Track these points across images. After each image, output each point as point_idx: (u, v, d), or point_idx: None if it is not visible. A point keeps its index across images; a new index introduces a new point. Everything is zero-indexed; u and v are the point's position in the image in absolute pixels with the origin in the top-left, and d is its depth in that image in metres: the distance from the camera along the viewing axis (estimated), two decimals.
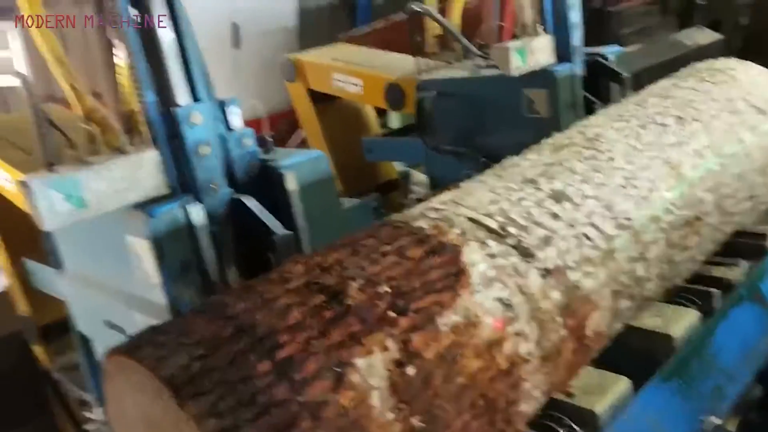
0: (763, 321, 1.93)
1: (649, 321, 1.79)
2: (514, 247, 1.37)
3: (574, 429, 1.50)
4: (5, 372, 2.63)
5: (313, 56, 3.53)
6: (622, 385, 1.59)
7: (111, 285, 1.63)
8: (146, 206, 1.40)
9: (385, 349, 1.11)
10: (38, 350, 2.51)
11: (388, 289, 1.19)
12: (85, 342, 1.98)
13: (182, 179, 1.43)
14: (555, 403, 1.50)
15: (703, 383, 1.69)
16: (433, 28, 2.95)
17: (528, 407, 1.34)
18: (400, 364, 1.11)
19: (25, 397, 2.62)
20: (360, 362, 1.08)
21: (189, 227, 1.39)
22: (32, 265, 2.21)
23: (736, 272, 2.01)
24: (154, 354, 1.05)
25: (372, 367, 1.09)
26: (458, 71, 2.75)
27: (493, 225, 1.40)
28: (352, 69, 3.20)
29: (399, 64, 3.09)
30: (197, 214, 1.40)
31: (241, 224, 1.46)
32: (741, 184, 1.88)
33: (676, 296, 1.89)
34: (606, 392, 1.56)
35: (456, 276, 1.26)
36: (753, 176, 1.92)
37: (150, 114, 1.40)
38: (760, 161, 1.95)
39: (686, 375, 1.65)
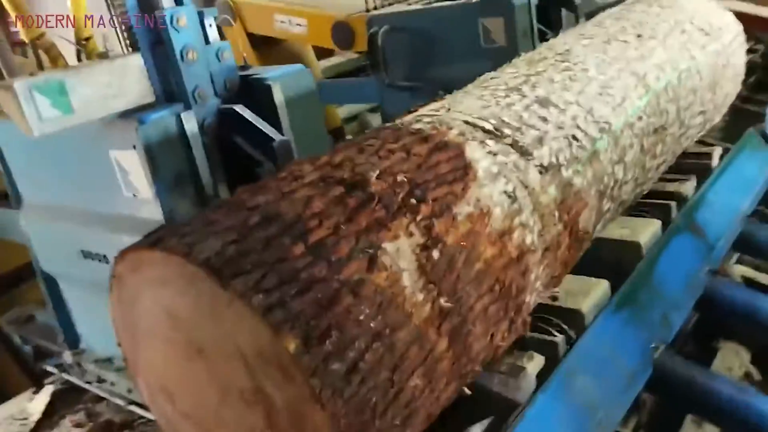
0: (700, 250, 2.04)
1: (618, 231, 1.89)
2: (511, 145, 1.40)
3: (563, 327, 1.57)
4: None
5: None
6: (602, 286, 1.68)
7: (87, 211, 1.54)
8: (133, 115, 1.33)
9: (410, 234, 1.12)
10: None
11: (405, 179, 1.19)
12: (51, 283, 1.87)
13: (168, 88, 1.37)
14: (543, 307, 1.56)
15: (651, 312, 1.76)
16: None
17: (531, 299, 1.39)
18: (425, 248, 1.12)
19: None
20: (388, 245, 1.08)
21: (181, 136, 1.34)
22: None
23: (688, 186, 2.15)
24: (183, 242, 1.01)
25: (400, 250, 1.09)
26: (410, 6, 2.72)
27: (489, 127, 1.42)
28: (296, 8, 3.09)
29: (346, 3, 3.01)
30: (190, 121, 1.34)
31: (232, 135, 1.41)
32: (695, 98, 1.99)
33: (636, 210, 2.01)
34: (588, 294, 1.64)
35: (464, 170, 1.28)
36: (703, 92, 2.04)
37: (131, 17, 1.32)
38: (708, 78, 2.06)
39: (636, 304, 1.72)
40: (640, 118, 1.71)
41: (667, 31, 2.02)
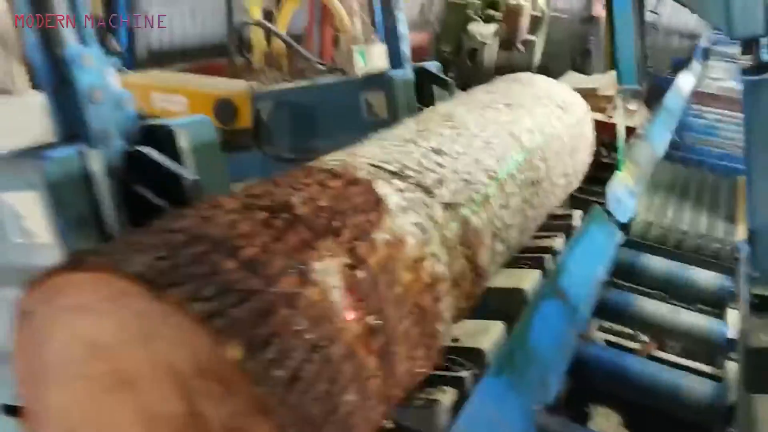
0: (566, 314, 2.16)
1: (505, 281, 2.01)
2: (415, 185, 1.48)
3: (466, 365, 1.63)
4: None
5: (127, 78, 3.39)
6: (498, 327, 1.77)
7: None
8: (36, 153, 1.27)
9: (336, 254, 1.15)
10: None
11: (326, 205, 1.22)
12: None
13: (71, 127, 1.32)
14: (446, 349, 1.62)
15: (529, 374, 1.82)
16: (259, 45, 3.02)
17: (442, 329, 1.44)
18: (351, 267, 1.15)
19: None
20: (317, 264, 1.10)
21: (86, 176, 1.28)
22: None
23: (558, 242, 2.35)
24: (108, 259, 0.97)
25: (328, 269, 1.11)
26: (294, 84, 2.79)
27: (393, 168, 1.51)
28: (177, 87, 3.17)
29: (222, 84, 3.11)
30: (95, 161, 1.30)
31: (135, 179, 1.38)
32: (558, 161, 2.21)
33: (516, 264, 2.16)
34: (487, 333, 1.72)
35: (376, 202, 1.34)
36: (565, 156, 2.28)
37: (32, 56, 1.29)
38: (569, 145, 2.32)
39: (514, 368, 1.78)
40: (519, 170, 1.88)
41: (530, 103, 2.27)
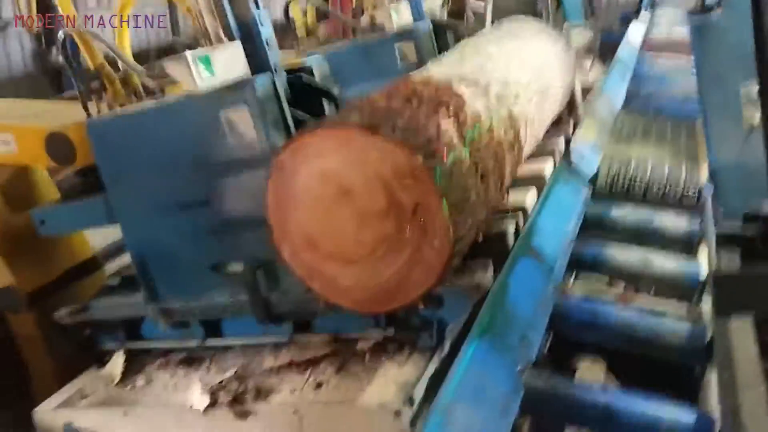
0: (542, 271, 2.27)
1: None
2: (475, 86, 2.21)
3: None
4: None
5: None
6: (533, 192, 2.49)
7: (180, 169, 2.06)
8: (242, 83, 1.97)
9: (449, 116, 1.88)
10: (24, 318, 2.66)
11: (432, 93, 1.96)
12: (136, 247, 2.31)
13: (259, 65, 2.02)
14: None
15: (510, 335, 1.90)
16: (298, 17, 3.53)
17: (508, 172, 2.17)
18: (458, 123, 1.88)
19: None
20: (442, 120, 1.83)
21: (275, 94, 1.99)
22: (47, 210, 2.44)
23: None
24: (335, 122, 1.70)
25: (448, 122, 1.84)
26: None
27: (458, 77, 2.23)
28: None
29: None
30: (279, 84, 2.01)
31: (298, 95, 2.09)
32: (556, 75, 2.95)
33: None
34: (527, 194, 2.46)
35: (458, 94, 2.06)
36: (560, 72, 3.01)
37: (228, 19, 1.99)
38: (561, 64, 3.07)
39: (496, 330, 1.85)
40: (535, 80, 2.63)
41: (529, 35, 3.03)
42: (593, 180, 3.20)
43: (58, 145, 2.34)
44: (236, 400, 2.01)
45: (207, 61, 1.92)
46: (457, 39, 3.43)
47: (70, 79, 7.33)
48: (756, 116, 2.34)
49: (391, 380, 1.89)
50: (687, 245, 2.86)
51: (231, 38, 2.01)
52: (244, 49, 2.03)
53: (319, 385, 1.98)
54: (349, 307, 1.85)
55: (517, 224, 2.25)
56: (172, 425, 2.10)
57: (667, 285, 2.65)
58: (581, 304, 2.44)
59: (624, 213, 3.02)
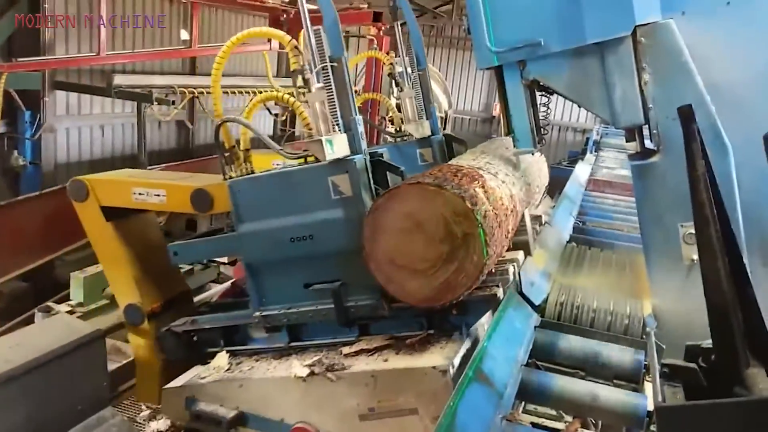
0: (491, 398, 2.35)
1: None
2: (488, 173, 3.35)
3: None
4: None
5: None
6: (520, 254, 3.61)
7: (295, 214, 3.08)
8: (343, 161, 3.04)
9: (476, 185, 2.98)
10: (142, 329, 3.54)
11: (466, 173, 3.07)
12: (252, 270, 3.26)
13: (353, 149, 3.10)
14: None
15: None
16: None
17: (509, 237, 3.26)
18: (484, 190, 2.98)
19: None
20: (472, 187, 2.92)
21: (364, 167, 3.05)
22: (179, 245, 3.37)
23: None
24: (414, 182, 2.77)
25: (476, 188, 2.94)
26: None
27: (476, 167, 3.37)
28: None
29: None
30: (365, 161, 3.09)
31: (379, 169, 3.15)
32: (535, 175, 4.14)
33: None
34: (516, 255, 3.55)
35: (481, 176, 3.18)
36: (537, 174, 4.21)
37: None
38: (538, 168, 4.27)
39: None
40: (522, 174, 3.79)
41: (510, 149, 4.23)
42: (542, 307, 3.34)
43: (201, 198, 3.40)
44: (328, 370, 2.92)
45: (330, 143, 2.96)
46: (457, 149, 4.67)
47: (27, 181, 7.71)
48: (694, 255, 2.56)
49: (437, 355, 2.85)
50: (633, 377, 2.87)
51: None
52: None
53: (385, 360, 2.92)
54: (413, 304, 2.84)
55: (514, 266, 3.31)
56: (278, 392, 2.99)
57: (615, 417, 2.62)
58: None
59: (571, 342, 3.06)
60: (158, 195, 3.47)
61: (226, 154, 3.29)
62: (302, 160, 3.16)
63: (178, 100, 10.51)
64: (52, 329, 2.98)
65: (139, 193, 3.56)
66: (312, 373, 2.94)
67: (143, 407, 4.59)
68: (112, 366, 3.59)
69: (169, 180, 3.63)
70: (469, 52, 19.00)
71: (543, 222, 4.29)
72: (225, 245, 3.32)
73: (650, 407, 2.52)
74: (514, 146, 3.32)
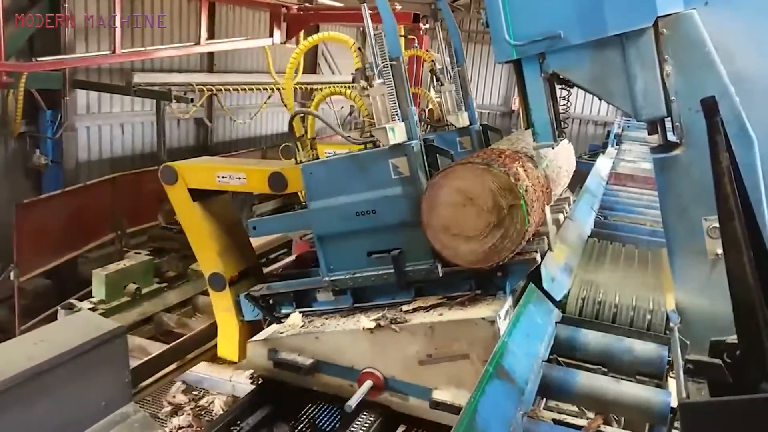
0: (513, 394, 2.33)
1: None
2: (525, 155, 3.84)
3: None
4: None
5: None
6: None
7: (360, 192, 3.60)
8: (403, 144, 3.54)
9: (517, 165, 3.47)
10: (223, 295, 4.09)
11: (509, 155, 3.57)
12: (322, 241, 3.79)
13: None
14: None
15: None
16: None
17: (546, 210, 3.75)
18: (524, 169, 3.47)
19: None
20: (515, 166, 3.42)
21: (420, 150, 3.56)
22: (257, 221, 3.89)
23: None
24: (467, 161, 3.27)
25: (517, 167, 3.43)
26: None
27: (516, 149, 3.86)
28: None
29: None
30: (420, 146, 3.59)
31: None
32: (564, 161, 4.62)
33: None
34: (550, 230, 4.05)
35: (521, 157, 3.67)
36: (565, 161, 4.69)
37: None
38: (566, 156, 4.74)
39: None
40: (555, 155, 4.27)
41: None
42: (563, 303, 3.38)
43: (277, 180, 3.93)
44: (392, 322, 3.43)
45: (393, 130, 3.44)
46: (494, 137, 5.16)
47: (49, 179, 8.96)
48: (718, 249, 2.46)
49: (485, 308, 3.35)
50: (656, 373, 2.85)
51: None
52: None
53: (440, 315, 3.43)
54: (465, 266, 3.35)
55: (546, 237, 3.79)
56: (349, 342, 3.51)
57: (637, 413, 2.61)
58: (551, 430, 2.54)
59: (593, 338, 3.06)
60: (239, 178, 3.98)
61: (297, 142, 3.81)
62: (362, 147, 3.65)
63: (197, 97, 10.84)
64: (75, 326, 2.98)
65: (222, 177, 4.00)
66: (378, 326, 3.45)
67: (165, 404, 5.26)
68: (133, 363, 3.95)
69: (247, 165, 4.16)
70: (487, 46, 19.44)
71: (572, 201, 4.64)
72: (298, 220, 3.84)
73: (674, 404, 2.49)
74: (534, 140, 3.32)
